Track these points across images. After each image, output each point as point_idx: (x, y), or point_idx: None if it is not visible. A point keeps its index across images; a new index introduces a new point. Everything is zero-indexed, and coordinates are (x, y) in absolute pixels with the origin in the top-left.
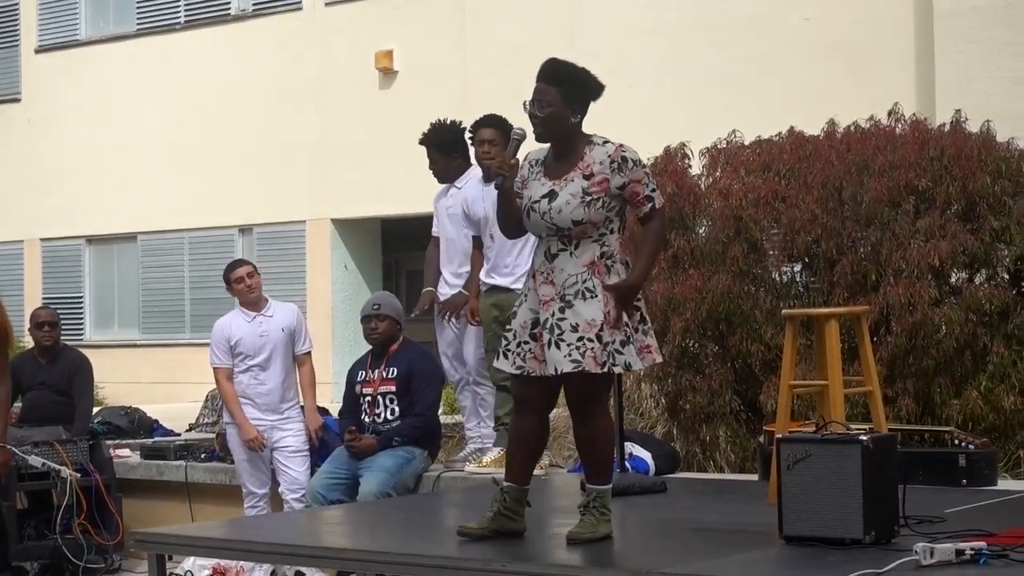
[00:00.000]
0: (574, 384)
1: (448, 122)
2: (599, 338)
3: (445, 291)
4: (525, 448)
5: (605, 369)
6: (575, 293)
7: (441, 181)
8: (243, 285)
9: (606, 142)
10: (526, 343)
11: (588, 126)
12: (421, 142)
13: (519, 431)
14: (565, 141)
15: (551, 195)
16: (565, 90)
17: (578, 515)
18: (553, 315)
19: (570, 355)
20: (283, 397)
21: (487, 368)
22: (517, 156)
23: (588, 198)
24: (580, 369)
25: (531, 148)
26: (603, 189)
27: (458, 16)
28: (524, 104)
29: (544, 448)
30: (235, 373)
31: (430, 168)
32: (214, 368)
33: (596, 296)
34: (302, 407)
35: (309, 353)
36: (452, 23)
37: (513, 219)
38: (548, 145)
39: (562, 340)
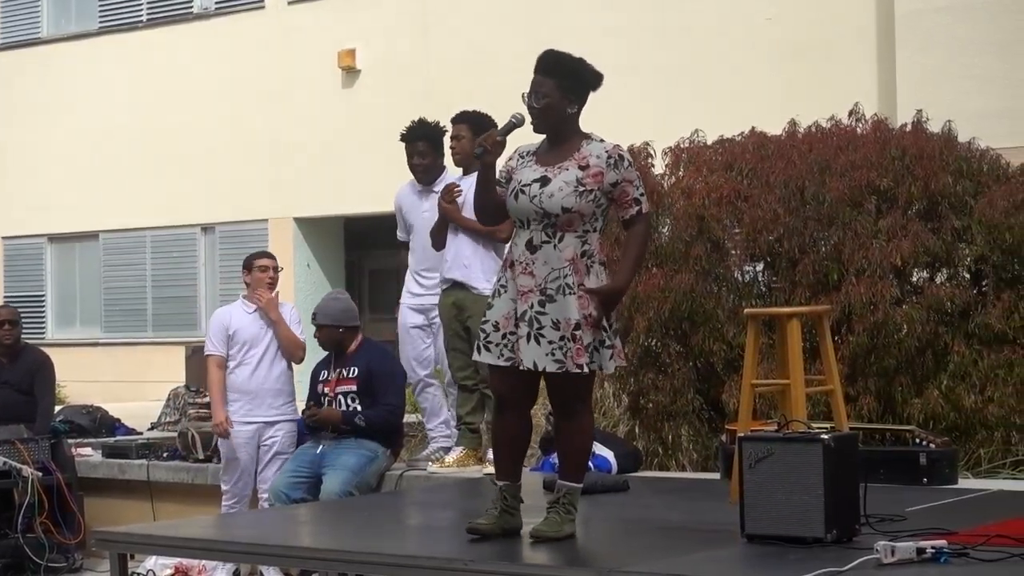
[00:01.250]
0: (558, 383)
1: (430, 122)
2: (575, 337)
3: (416, 291)
4: (511, 446)
5: (587, 369)
6: (556, 288)
7: (423, 179)
8: (266, 275)
9: (603, 140)
10: (512, 334)
11: None
12: (412, 136)
13: (504, 430)
14: (561, 132)
15: (543, 180)
16: (562, 81)
17: (543, 514)
18: (532, 307)
19: (552, 354)
20: (278, 393)
21: (449, 366)
22: (507, 141)
23: (581, 188)
24: (563, 370)
25: (523, 141)
26: (597, 182)
27: (420, 15)
28: (522, 95)
29: (528, 443)
30: (231, 368)
31: (416, 164)
32: (208, 355)
33: (575, 293)
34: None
35: (303, 343)
36: (414, 22)
37: (490, 202)
38: (540, 140)
39: (542, 336)
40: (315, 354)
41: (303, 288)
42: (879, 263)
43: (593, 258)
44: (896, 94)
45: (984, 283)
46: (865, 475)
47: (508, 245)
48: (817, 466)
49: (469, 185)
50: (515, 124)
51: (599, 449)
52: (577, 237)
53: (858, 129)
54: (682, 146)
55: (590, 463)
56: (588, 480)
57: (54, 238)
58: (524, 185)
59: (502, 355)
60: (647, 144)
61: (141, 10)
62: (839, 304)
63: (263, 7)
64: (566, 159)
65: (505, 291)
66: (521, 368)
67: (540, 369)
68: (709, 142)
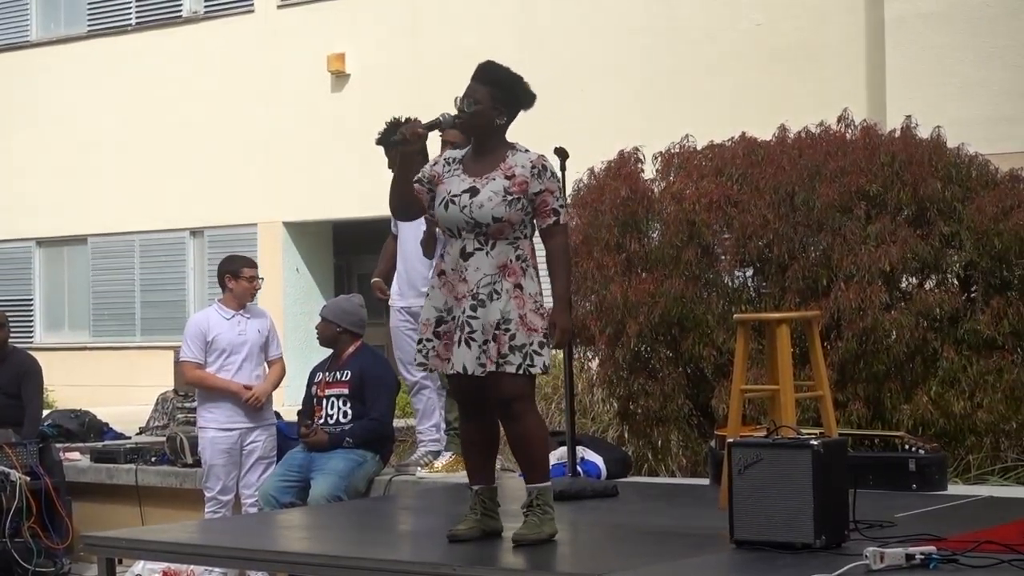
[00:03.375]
0: (490, 385)
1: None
2: (496, 337)
3: (405, 292)
4: (476, 450)
5: (520, 370)
6: (487, 294)
7: None
8: (253, 285)
9: (527, 150)
10: (429, 340)
11: (541, 129)
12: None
13: (466, 434)
14: (487, 141)
15: (472, 191)
16: (495, 91)
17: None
18: (464, 312)
19: (478, 358)
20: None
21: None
22: (427, 135)
23: (509, 197)
24: (484, 372)
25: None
26: (522, 191)
27: (410, 19)
28: (455, 99)
29: (497, 445)
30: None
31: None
32: (183, 361)
33: (501, 298)
34: (276, 412)
35: (281, 358)
36: (404, 26)
37: (406, 193)
38: (464, 150)
39: (472, 340)
40: (317, 354)
41: (291, 293)
42: (868, 269)
43: (527, 262)
44: (885, 99)
45: (973, 289)
46: (854, 481)
47: (436, 255)
48: (806, 472)
49: None
50: (439, 123)
51: (588, 454)
52: (509, 244)
53: (847, 135)
54: (672, 151)
55: (579, 468)
56: (577, 485)
57: (42, 242)
58: (454, 196)
59: (418, 360)
60: (637, 149)
61: (130, 13)
62: (828, 310)
63: (252, 11)
64: (493, 169)
65: (429, 299)
66: (451, 372)
67: (470, 372)
68: (699, 147)
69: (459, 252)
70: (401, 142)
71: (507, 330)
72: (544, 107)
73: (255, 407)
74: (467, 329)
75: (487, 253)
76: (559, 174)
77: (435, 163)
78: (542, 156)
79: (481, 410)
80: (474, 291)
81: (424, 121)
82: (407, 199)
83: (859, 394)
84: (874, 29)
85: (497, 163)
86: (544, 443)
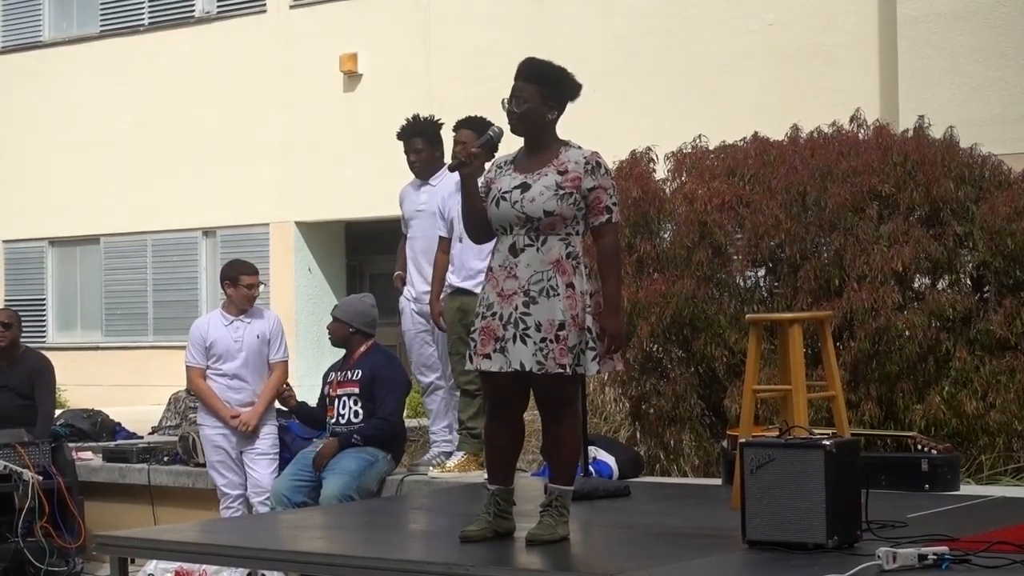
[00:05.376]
0: (542, 385)
1: (424, 118)
2: (558, 338)
3: (420, 287)
4: (503, 451)
5: (569, 371)
6: (540, 290)
7: (420, 175)
8: (252, 292)
9: (580, 147)
10: (500, 339)
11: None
12: (408, 133)
13: (496, 435)
14: (539, 138)
15: (523, 186)
16: (543, 88)
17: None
18: (516, 309)
19: (535, 355)
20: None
21: (452, 371)
22: (487, 155)
23: (561, 191)
24: (544, 371)
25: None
26: (575, 186)
27: (422, 19)
28: (503, 102)
29: (521, 447)
30: (209, 376)
31: (412, 160)
32: (188, 367)
33: (558, 295)
34: (279, 410)
35: (284, 362)
36: (416, 26)
37: (476, 216)
38: (515, 151)
39: (527, 336)
40: (329, 353)
41: (303, 293)
42: (881, 269)
43: (579, 260)
44: (898, 100)
45: (986, 289)
46: (867, 481)
47: (490, 253)
48: (819, 472)
49: (448, 187)
50: (492, 137)
51: (600, 454)
52: (560, 240)
53: (860, 135)
54: (684, 151)
55: (591, 468)
56: (589, 485)
57: (55, 242)
58: (505, 192)
59: (493, 360)
60: (649, 149)
61: (143, 13)
62: (841, 310)
63: (265, 11)
64: (545, 165)
65: (486, 299)
66: (508, 370)
67: (527, 369)
68: (711, 148)
69: (508, 248)
70: (458, 166)
71: (560, 331)
72: (569, 103)
73: (244, 432)
74: (521, 326)
75: (538, 249)
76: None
77: (488, 171)
78: (596, 153)
79: (511, 411)
80: (525, 287)
81: (477, 140)
82: (478, 218)
83: (871, 394)
84: (887, 29)
85: (550, 159)
86: (578, 448)
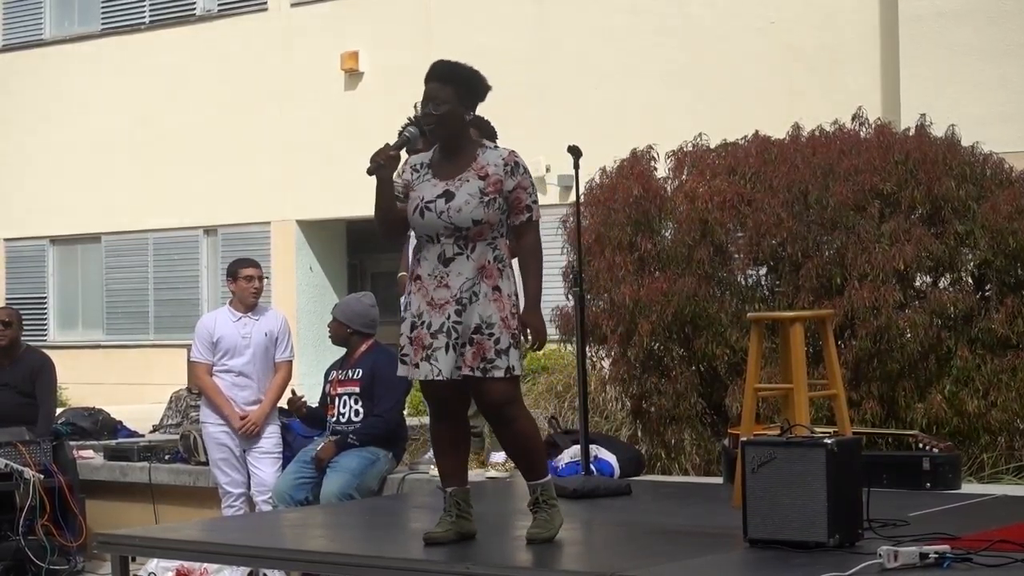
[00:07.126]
0: (480, 389)
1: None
2: (493, 341)
3: None
4: (446, 453)
5: (504, 373)
6: (468, 297)
7: None
8: (251, 285)
9: (496, 147)
10: (405, 353)
11: (555, 127)
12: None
13: (437, 434)
14: (456, 141)
15: (447, 195)
16: (459, 89)
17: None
18: (449, 318)
19: (470, 361)
20: (261, 400)
21: None
22: (400, 155)
23: (486, 198)
24: (479, 375)
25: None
26: (497, 190)
27: (423, 17)
28: (415, 105)
29: (468, 447)
30: (215, 373)
31: None
32: (194, 362)
33: (488, 299)
34: (281, 409)
35: (289, 362)
36: (417, 24)
37: (392, 217)
38: (428, 153)
39: (460, 344)
40: (330, 352)
41: (305, 291)
42: (882, 268)
43: (503, 262)
44: (899, 98)
45: (987, 288)
46: (868, 480)
47: (412, 260)
48: (820, 470)
49: None
50: (408, 139)
51: (601, 453)
52: (487, 245)
53: (861, 133)
54: (685, 150)
55: (592, 466)
56: (590, 484)
57: (56, 240)
58: (428, 202)
59: (409, 370)
60: (650, 148)
61: (144, 12)
62: (842, 309)
63: (266, 9)
64: (464, 170)
65: (409, 307)
66: (439, 379)
67: (457, 378)
68: (712, 146)
69: (437, 257)
70: (378, 169)
71: (491, 334)
72: (557, 105)
73: (249, 435)
74: (453, 335)
75: (468, 257)
76: (530, 168)
77: (402, 172)
78: (513, 152)
79: (454, 412)
80: (457, 296)
81: (392, 143)
82: (395, 222)
83: (873, 393)
84: (888, 27)
85: (468, 163)
86: (538, 440)
